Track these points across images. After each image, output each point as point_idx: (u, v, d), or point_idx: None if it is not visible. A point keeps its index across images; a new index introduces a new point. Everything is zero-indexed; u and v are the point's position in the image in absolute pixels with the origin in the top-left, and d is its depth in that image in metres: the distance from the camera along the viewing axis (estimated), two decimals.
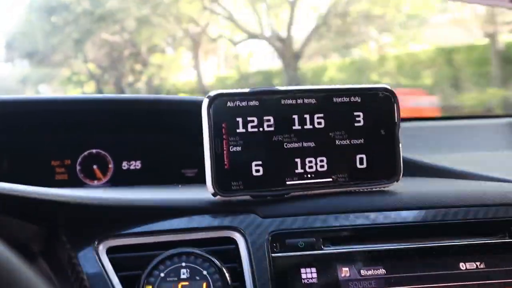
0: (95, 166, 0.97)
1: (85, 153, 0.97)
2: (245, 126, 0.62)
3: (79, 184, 0.96)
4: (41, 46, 8.05)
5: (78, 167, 0.97)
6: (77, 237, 0.59)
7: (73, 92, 8.70)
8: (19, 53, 8.64)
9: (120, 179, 0.97)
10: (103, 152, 0.97)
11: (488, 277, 0.60)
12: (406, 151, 0.71)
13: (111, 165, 0.98)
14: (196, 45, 8.08)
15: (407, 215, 0.64)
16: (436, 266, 0.61)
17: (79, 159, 0.97)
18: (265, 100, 0.62)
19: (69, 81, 8.75)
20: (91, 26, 7.69)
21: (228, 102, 0.61)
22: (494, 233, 0.63)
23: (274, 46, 7.66)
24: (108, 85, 8.44)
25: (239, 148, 0.61)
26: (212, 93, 0.61)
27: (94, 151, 0.97)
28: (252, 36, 7.92)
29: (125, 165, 0.98)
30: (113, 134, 0.98)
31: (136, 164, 0.98)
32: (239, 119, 0.62)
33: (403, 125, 0.67)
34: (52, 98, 0.94)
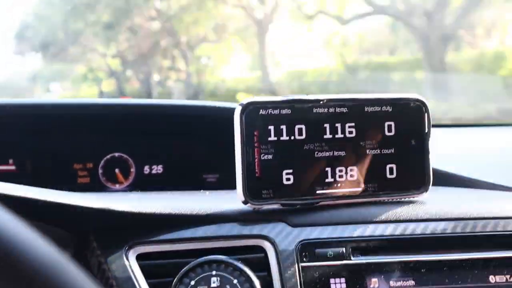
0: (117, 170, 0.98)
1: (107, 156, 0.97)
2: (276, 134, 0.62)
3: (101, 188, 0.97)
4: (59, 34, 7.22)
5: (100, 171, 0.97)
6: (108, 244, 0.59)
7: (87, 91, 8.20)
8: (31, 44, 7.98)
9: (142, 183, 0.98)
10: (125, 156, 0.98)
11: None
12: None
13: (133, 169, 0.98)
14: (262, 31, 6.40)
15: (436, 226, 0.63)
16: (465, 278, 0.60)
17: (101, 163, 0.97)
18: (297, 108, 0.62)
19: (85, 78, 8.12)
20: (126, 6, 6.72)
21: (261, 110, 0.61)
22: None
23: (411, 25, 5.58)
24: (130, 83, 7.61)
25: (270, 156, 0.61)
26: (245, 101, 0.61)
27: (116, 155, 0.97)
28: (378, 10, 5.76)
29: (146, 169, 0.98)
30: (135, 138, 0.98)
31: (157, 169, 0.99)
32: (271, 127, 0.61)
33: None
34: (76, 102, 0.94)
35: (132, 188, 0.98)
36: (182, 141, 0.98)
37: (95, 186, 0.96)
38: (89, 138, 0.97)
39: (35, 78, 8.43)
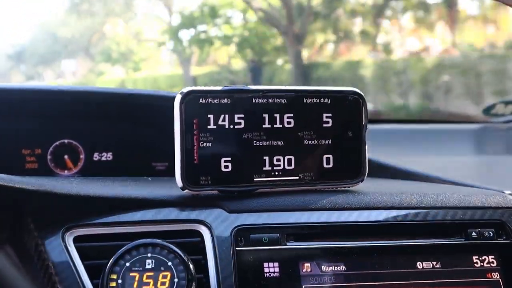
0: (66, 156, 0.97)
1: (57, 142, 0.97)
2: (216, 122, 0.63)
3: (50, 174, 0.96)
4: None
5: (49, 157, 0.97)
6: (45, 226, 0.60)
7: None
8: None
9: (91, 170, 0.98)
10: (74, 143, 0.98)
11: (443, 276, 0.63)
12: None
13: (82, 156, 0.98)
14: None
15: (369, 215, 0.66)
16: (395, 264, 0.63)
17: (50, 149, 0.97)
18: (237, 98, 0.64)
19: None
20: None
21: (200, 99, 0.63)
22: (451, 235, 0.66)
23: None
24: None
25: (209, 144, 0.63)
26: (185, 89, 0.62)
27: (65, 141, 0.97)
28: None
29: (96, 156, 0.98)
30: (85, 125, 0.98)
31: (107, 156, 0.99)
32: (211, 116, 0.63)
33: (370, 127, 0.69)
34: (25, 86, 0.94)
35: (81, 175, 0.98)
36: (132, 129, 0.98)
37: (44, 172, 0.96)
38: (38, 123, 0.96)
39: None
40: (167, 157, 0.97)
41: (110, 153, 0.99)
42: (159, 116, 0.94)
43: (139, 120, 0.97)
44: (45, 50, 9.32)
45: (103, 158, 0.99)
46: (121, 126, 0.98)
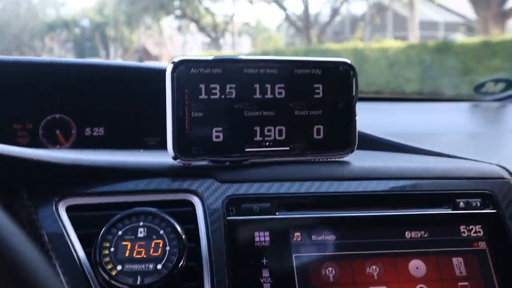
0: (57, 131, 0.98)
1: (48, 117, 0.97)
2: (207, 93, 0.63)
3: (41, 148, 0.96)
4: None
5: (40, 132, 0.97)
6: (37, 195, 0.60)
7: None
8: None
9: (83, 145, 0.98)
10: (66, 117, 0.98)
11: (431, 245, 0.64)
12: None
13: (74, 131, 0.98)
14: None
15: (359, 185, 0.67)
16: (383, 234, 0.64)
17: (42, 124, 0.97)
18: (228, 68, 0.64)
19: None
20: None
21: (192, 69, 0.63)
22: (439, 205, 0.67)
23: None
24: None
25: (200, 114, 0.63)
26: (177, 59, 0.62)
27: (57, 116, 0.97)
28: None
29: (88, 131, 0.99)
30: (77, 100, 0.98)
31: (99, 131, 0.99)
32: (202, 86, 0.63)
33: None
34: (16, 59, 0.93)
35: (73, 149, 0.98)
36: (123, 103, 0.98)
37: (35, 147, 0.95)
38: (29, 98, 0.96)
39: None
40: (159, 132, 0.97)
41: (102, 128, 0.99)
42: (151, 90, 0.94)
43: (131, 94, 0.97)
44: None
45: (95, 133, 0.99)
46: (113, 100, 0.98)
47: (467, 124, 1.28)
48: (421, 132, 1.07)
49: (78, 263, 0.57)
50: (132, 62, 0.95)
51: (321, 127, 0.68)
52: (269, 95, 0.66)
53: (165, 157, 0.64)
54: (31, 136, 0.97)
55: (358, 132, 0.70)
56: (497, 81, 1.43)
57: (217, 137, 0.64)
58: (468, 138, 1.10)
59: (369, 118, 0.85)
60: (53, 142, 0.97)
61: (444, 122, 1.23)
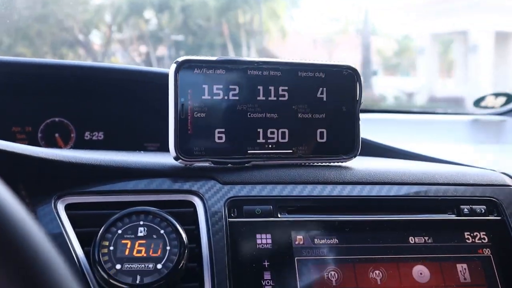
0: (57, 135, 0.97)
1: (48, 121, 0.96)
2: (210, 93, 0.63)
3: None
4: None
5: (39, 135, 0.96)
6: (36, 193, 0.59)
7: None
8: None
9: (82, 149, 0.97)
10: (65, 121, 0.97)
11: (435, 251, 0.63)
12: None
13: (73, 135, 0.97)
14: None
15: (362, 189, 0.66)
16: (387, 238, 0.63)
17: (41, 127, 0.96)
18: (232, 69, 0.64)
19: None
20: None
21: (195, 69, 0.62)
22: (443, 211, 0.66)
23: None
24: None
25: (203, 115, 0.63)
26: (180, 59, 0.62)
27: (56, 119, 0.97)
28: None
29: (87, 135, 0.98)
30: (76, 104, 0.97)
31: (98, 135, 0.98)
32: (205, 86, 0.63)
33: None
34: (16, 60, 0.92)
35: None
36: (124, 107, 0.98)
37: None
38: (29, 100, 0.95)
39: None
40: (159, 137, 0.96)
41: (101, 132, 0.98)
42: (152, 95, 0.93)
43: (132, 99, 0.97)
44: None
45: (94, 137, 0.98)
46: (113, 104, 0.98)
47: (468, 137, 1.28)
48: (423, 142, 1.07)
49: (76, 261, 0.56)
50: (133, 66, 0.94)
51: (324, 130, 0.68)
52: (272, 97, 0.65)
53: (167, 158, 0.63)
54: (30, 139, 0.96)
55: (362, 139, 0.69)
56: (497, 95, 1.43)
57: (220, 138, 0.63)
58: (471, 150, 1.10)
59: (372, 128, 0.84)
60: (52, 146, 0.96)
61: (447, 135, 1.23)
